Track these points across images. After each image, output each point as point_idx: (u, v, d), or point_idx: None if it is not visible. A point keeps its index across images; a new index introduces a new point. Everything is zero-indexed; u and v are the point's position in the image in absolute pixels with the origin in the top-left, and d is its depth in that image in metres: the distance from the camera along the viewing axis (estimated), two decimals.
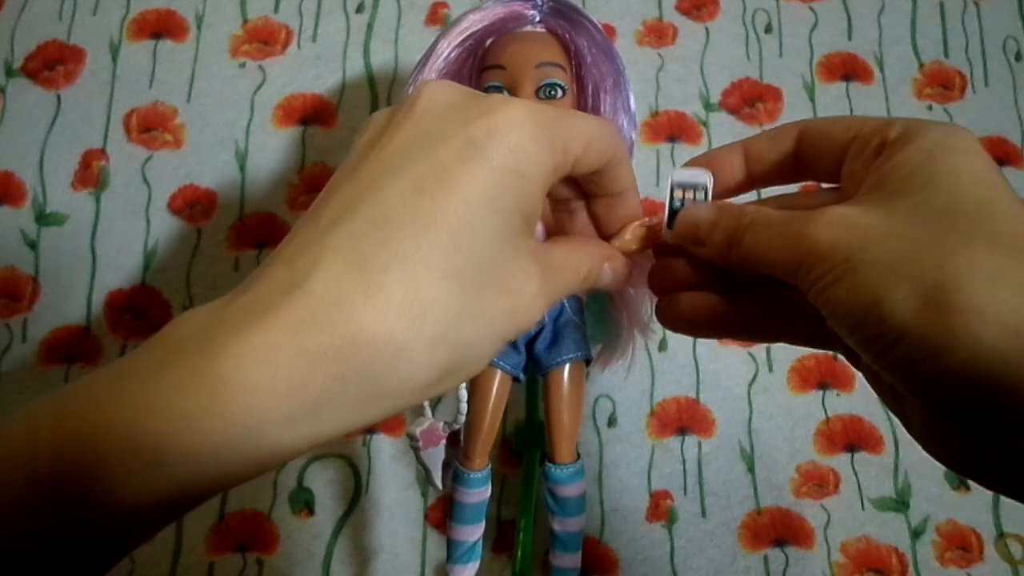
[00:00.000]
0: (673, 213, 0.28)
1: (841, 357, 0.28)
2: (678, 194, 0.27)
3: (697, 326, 0.29)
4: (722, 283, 0.28)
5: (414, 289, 0.20)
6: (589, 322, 0.48)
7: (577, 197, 0.28)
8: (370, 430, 0.62)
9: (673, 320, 0.29)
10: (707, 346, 0.65)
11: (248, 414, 0.19)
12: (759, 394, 0.64)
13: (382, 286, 0.20)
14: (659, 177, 0.69)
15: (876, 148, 0.24)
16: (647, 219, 0.28)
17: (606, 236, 0.29)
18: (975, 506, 0.61)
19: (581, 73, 0.45)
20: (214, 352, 0.19)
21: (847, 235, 0.22)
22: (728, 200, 0.28)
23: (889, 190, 0.23)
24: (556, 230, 0.29)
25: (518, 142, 0.22)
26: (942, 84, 0.73)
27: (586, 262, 0.26)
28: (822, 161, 0.27)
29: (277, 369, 0.19)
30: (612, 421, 0.63)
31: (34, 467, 0.18)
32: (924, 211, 0.22)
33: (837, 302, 0.22)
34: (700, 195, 0.28)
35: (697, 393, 0.64)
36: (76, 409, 0.18)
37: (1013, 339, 0.19)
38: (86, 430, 0.18)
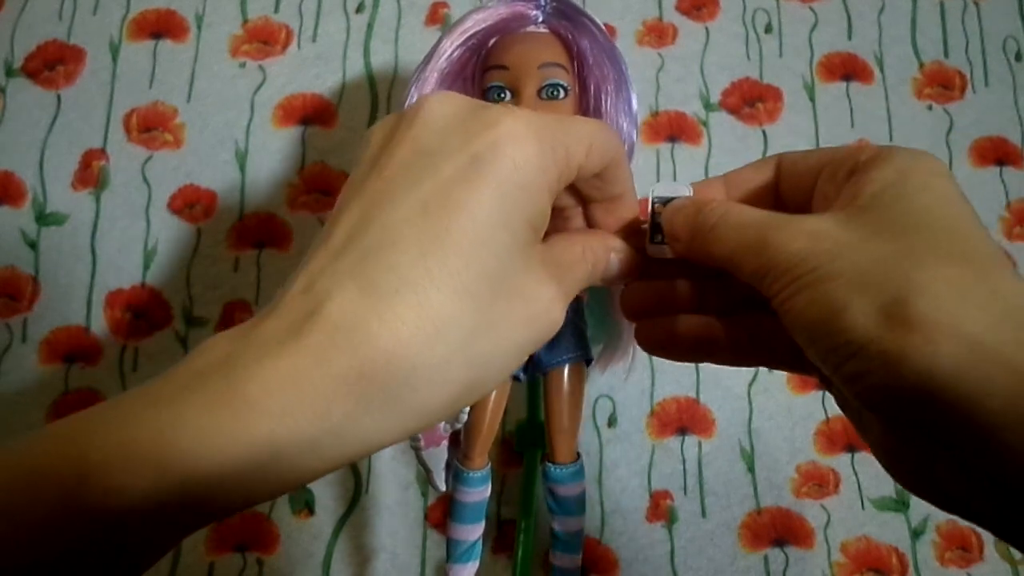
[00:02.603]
0: (656, 228, 0.27)
1: None
2: (659, 208, 0.27)
3: (678, 350, 0.29)
4: (702, 307, 0.28)
5: (426, 310, 0.20)
6: (590, 323, 0.48)
7: (574, 204, 0.28)
8: None
9: (654, 344, 0.29)
10: None
11: (273, 438, 0.19)
12: (759, 394, 0.64)
13: (395, 310, 0.20)
14: (659, 177, 0.69)
15: (849, 170, 0.24)
16: (645, 221, 0.28)
17: None
18: None
19: (583, 74, 0.45)
20: (239, 378, 0.19)
21: (814, 245, 0.22)
22: (707, 196, 0.28)
23: (859, 205, 0.23)
24: (552, 235, 0.29)
25: (522, 155, 0.22)
26: (942, 84, 0.73)
27: (591, 252, 0.26)
28: (797, 190, 0.27)
29: (302, 393, 0.19)
30: (612, 421, 0.63)
31: (59, 489, 0.18)
32: (892, 225, 0.22)
33: (799, 311, 0.22)
34: None
35: (697, 393, 0.64)
36: (99, 431, 0.19)
37: (970, 354, 0.19)
38: (110, 451, 0.18)
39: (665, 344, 0.29)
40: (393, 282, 0.20)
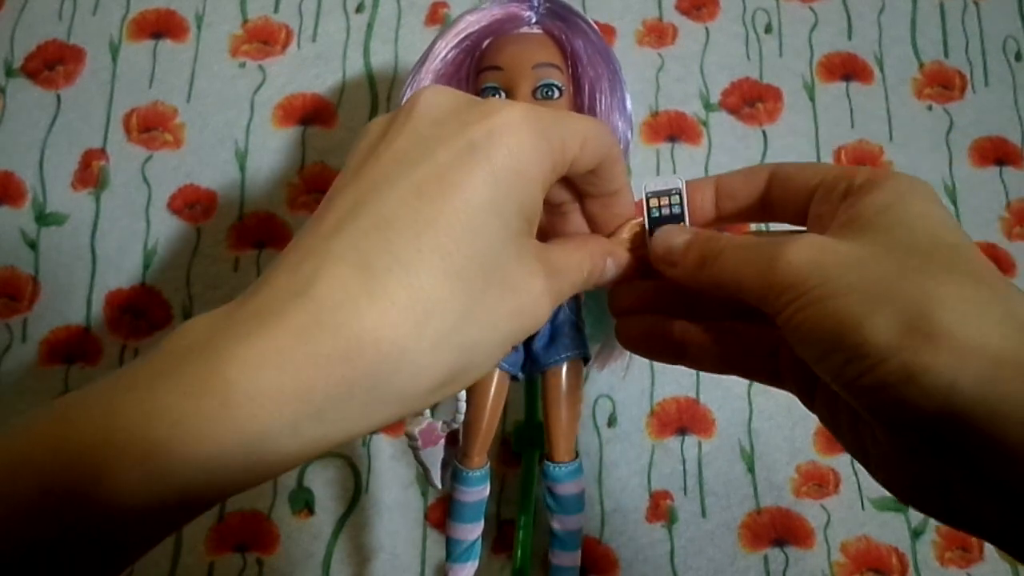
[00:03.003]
0: (653, 222, 0.28)
1: None
2: (654, 203, 0.28)
3: (653, 350, 0.29)
4: (682, 310, 0.29)
5: (417, 291, 0.20)
6: (588, 321, 0.48)
7: (571, 199, 0.28)
8: None
9: (632, 342, 0.29)
10: None
11: (254, 420, 0.18)
12: (759, 394, 0.64)
13: (386, 289, 0.20)
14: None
15: (843, 192, 0.25)
16: (641, 218, 0.29)
17: (602, 235, 0.29)
18: None
19: (577, 73, 0.45)
20: (219, 359, 0.19)
21: (823, 258, 0.22)
22: (698, 198, 0.29)
23: (860, 226, 0.23)
24: (550, 233, 0.29)
25: (517, 143, 0.22)
26: (942, 84, 0.73)
27: (588, 259, 0.27)
28: (788, 204, 0.27)
29: (283, 374, 0.19)
30: (612, 421, 0.63)
31: (39, 477, 0.17)
32: (899, 245, 0.22)
33: (811, 325, 0.22)
34: (675, 199, 0.28)
35: (697, 393, 0.64)
36: (80, 418, 0.18)
37: (994, 370, 0.19)
38: (91, 439, 0.18)
39: (643, 343, 0.29)
40: (386, 261, 0.20)
